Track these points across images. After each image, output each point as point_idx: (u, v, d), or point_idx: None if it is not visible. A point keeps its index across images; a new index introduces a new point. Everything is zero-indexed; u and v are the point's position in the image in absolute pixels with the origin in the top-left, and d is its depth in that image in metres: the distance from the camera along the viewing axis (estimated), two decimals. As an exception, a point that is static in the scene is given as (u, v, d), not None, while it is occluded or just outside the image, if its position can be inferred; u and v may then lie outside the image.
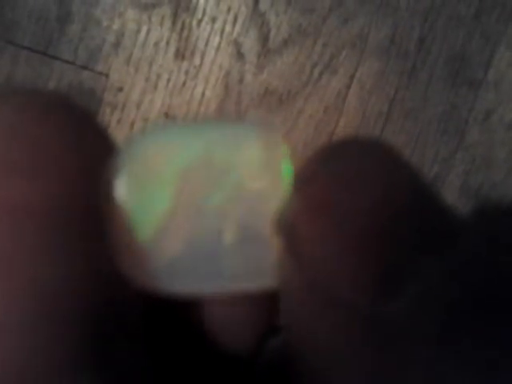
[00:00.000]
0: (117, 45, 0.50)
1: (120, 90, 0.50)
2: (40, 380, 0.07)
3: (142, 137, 0.09)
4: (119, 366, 0.08)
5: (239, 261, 0.08)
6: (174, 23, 0.50)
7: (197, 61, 0.50)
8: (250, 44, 0.50)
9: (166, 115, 0.50)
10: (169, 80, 0.50)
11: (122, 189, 0.08)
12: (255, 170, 0.08)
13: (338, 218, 0.07)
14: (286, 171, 0.08)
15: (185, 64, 0.50)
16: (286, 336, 0.09)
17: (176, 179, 0.08)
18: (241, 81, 0.51)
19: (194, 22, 0.50)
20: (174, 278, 0.08)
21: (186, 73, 0.50)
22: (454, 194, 0.52)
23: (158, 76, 0.50)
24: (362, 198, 0.07)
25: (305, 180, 0.08)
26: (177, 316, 0.10)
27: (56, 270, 0.07)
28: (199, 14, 0.50)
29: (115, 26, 0.50)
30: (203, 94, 0.50)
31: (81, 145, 0.08)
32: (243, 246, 0.08)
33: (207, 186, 0.08)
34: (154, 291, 0.08)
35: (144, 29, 0.50)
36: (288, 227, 0.08)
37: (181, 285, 0.08)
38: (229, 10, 0.50)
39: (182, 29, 0.50)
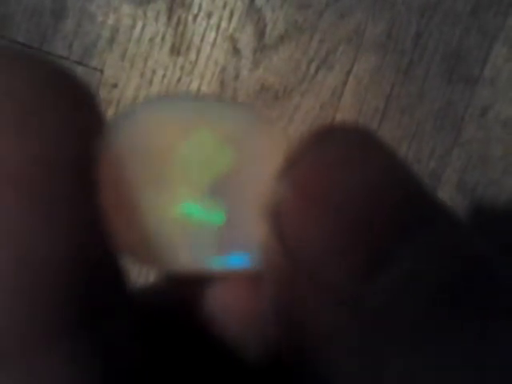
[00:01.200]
0: (111, 40, 0.49)
1: (115, 85, 0.50)
2: (26, 342, 0.07)
3: (139, 107, 0.08)
4: (107, 338, 0.08)
5: (227, 241, 0.08)
6: (169, 18, 0.50)
7: (192, 56, 0.50)
8: (246, 40, 0.50)
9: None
10: (164, 76, 0.50)
11: (116, 158, 0.08)
12: (253, 150, 0.08)
13: (324, 202, 0.07)
14: (282, 154, 0.08)
15: (180, 59, 0.50)
16: (273, 320, 0.09)
17: (170, 153, 0.08)
18: (237, 77, 0.50)
19: (190, 18, 0.50)
20: (169, 253, 0.08)
21: (182, 68, 0.50)
22: (450, 191, 0.52)
23: (153, 72, 0.50)
24: (348, 182, 0.07)
25: (292, 165, 0.08)
26: (177, 312, 0.10)
27: (40, 240, 0.07)
28: (195, 10, 0.50)
29: (110, 22, 0.49)
30: (199, 89, 0.50)
31: (72, 108, 0.07)
32: (231, 227, 0.08)
33: (203, 163, 0.08)
34: (150, 266, 0.08)
35: (139, 24, 0.49)
36: (274, 211, 0.08)
37: (177, 260, 0.08)
38: (225, 5, 0.50)
39: (178, 24, 0.50)
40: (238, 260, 0.08)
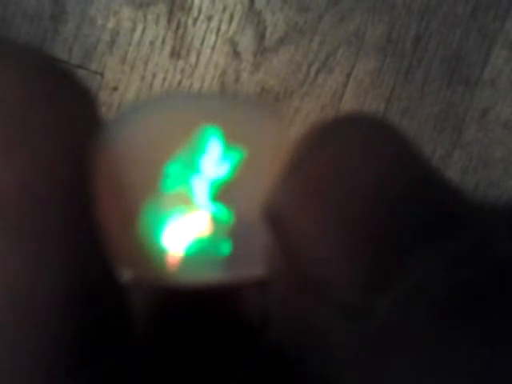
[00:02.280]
0: (112, 43, 0.49)
1: (115, 89, 0.49)
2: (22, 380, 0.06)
3: (137, 107, 0.08)
4: (102, 365, 0.07)
5: (234, 247, 0.08)
6: (169, 22, 0.49)
7: (192, 59, 0.50)
8: (246, 43, 0.50)
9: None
10: (164, 79, 0.50)
11: (113, 162, 0.07)
12: (264, 153, 0.08)
13: (328, 208, 0.07)
14: (287, 153, 0.08)
15: (180, 63, 0.50)
16: (273, 326, 0.08)
17: (171, 159, 0.08)
18: (237, 80, 0.50)
19: (190, 21, 0.50)
20: (170, 268, 0.08)
21: (182, 72, 0.50)
22: (450, 193, 0.52)
23: (154, 75, 0.50)
24: (355, 185, 0.07)
25: (294, 167, 0.07)
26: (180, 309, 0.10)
27: (31, 266, 0.06)
28: (195, 13, 0.50)
29: (110, 25, 0.49)
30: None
31: (67, 115, 0.07)
32: (238, 232, 0.08)
33: (207, 165, 0.08)
34: (151, 281, 0.08)
35: (139, 27, 0.49)
36: (276, 216, 0.07)
37: (178, 275, 0.08)
38: (224, 8, 0.50)
39: (178, 27, 0.50)
40: (246, 268, 0.08)
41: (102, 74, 0.49)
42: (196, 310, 0.10)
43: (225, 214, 0.08)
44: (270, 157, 0.08)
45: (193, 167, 0.08)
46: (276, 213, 0.07)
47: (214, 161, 0.08)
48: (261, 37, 0.50)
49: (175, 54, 0.50)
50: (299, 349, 0.07)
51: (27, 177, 0.06)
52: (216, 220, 0.08)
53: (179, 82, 0.50)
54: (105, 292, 0.07)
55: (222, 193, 0.08)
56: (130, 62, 0.49)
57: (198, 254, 0.08)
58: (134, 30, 0.49)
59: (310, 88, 0.51)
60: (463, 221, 0.07)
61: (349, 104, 0.51)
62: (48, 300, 0.06)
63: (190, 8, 0.50)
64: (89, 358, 0.07)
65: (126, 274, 0.08)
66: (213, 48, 0.50)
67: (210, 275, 0.08)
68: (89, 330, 0.07)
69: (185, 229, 0.08)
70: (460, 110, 0.52)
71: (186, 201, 0.08)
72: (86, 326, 0.07)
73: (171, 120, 0.08)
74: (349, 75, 0.51)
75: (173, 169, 0.08)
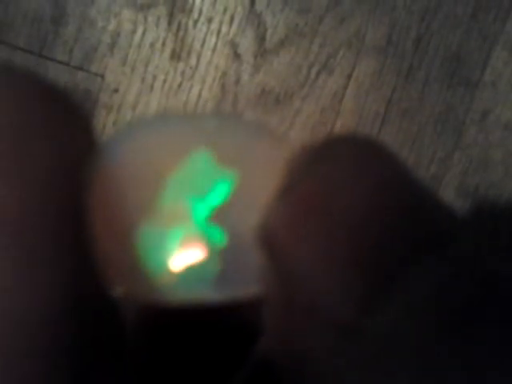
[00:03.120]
0: (112, 45, 0.49)
1: (116, 91, 0.49)
2: None
3: (132, 128, 0.08)
4: (95, 382, 0.07)
5: (227, 268, 0.08)
6: (169, 24, 0.49)
7: (193, 61, 0.50)
8: (247, 44, 0.50)
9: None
10: (165, 81, 0.50)
11: (108, 182, 0.07)
12: (257, 173, 0.08)
13: (323, 227, 0.07)
14: (282, 170, 0.08)
15: (181, 65, 0.50)
16: (267, 346, 0.08)
17: (165, 180, 0.08)
18: (237, 81, 0.50)
19: (190, 23, 0.50)
20: (163, 287, 0.08)
21: (182, 74, 0.50)
22: (450, 195, 0.52)
23: (154, 77, 0.50)
24: (350, 205, 0.07)
25: (286, 187, 0.07)
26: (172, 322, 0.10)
27: (24, 282, 0.06)
28: (195, 15, 0.50)
29: (110, 27, 0.49)
30: (199, 95, 0.50)
31: (61, 139, 0.07)
32: (232, 253, 0.08)
33: (201, 187, 0.08)
34: (144, 301, 0.08)
35: (140, 29, 0.49)
36: (270, 237, 0.07)
37: (172, 294, 0.08)
38: (225, 10, 0.50)
39: (178, 29, 0.50)
40: (238, 288, 0.08)
41: (102, 76, 0.49)
42: (187, 329, 0.10)
43: (218, 234, 0.08)
44: (264, 177, 0.08)
45: (187, 188, 0.08)
46: (269, 233, 0.07)
47: (208, 182, 0.08)
48: (261, 38, 0.50)
49: (176, 55, 0.50)
50: (293, 368, 0.07)
51: (25, 197, 0.06)
52: (209, 240, 0.08)
53: (179, 84, 0.50)
54: (98, 309, 0.07)
55: (216, 213, 0.08)
56: (131, 64, 0.49)
57: (191, 273, 0.08)
58: (134, 31, 0.49)
59: (310, 90, 0.51)
60: (453, 239, 0.07)
61: (349, 105, 0.51)
62: (40, 315, 0.06)
63: (191, 10, 0.50)
64: (81, 375, 0.07)
65: (118, 292, 0.08)
66: (213, 50, 0.50)
67: (203, 295, 0.08)
68: (81, 346, 0.07)
69: (179, 249, 0.08)
70: (460, 111, 0.52)
71: (181, 221, 0.08)
72: (78, 343, 0.07)
73: (165, 141, 0.08)
74: (349, 77, 0.51)
75: (167, 189, 0.08)
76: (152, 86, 0.50)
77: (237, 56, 0.50)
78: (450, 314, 0.06)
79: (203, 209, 0.08)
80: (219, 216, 0.08)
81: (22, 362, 0.06)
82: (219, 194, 0.08)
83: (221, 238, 0.08)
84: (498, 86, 0.52)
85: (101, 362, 0.07)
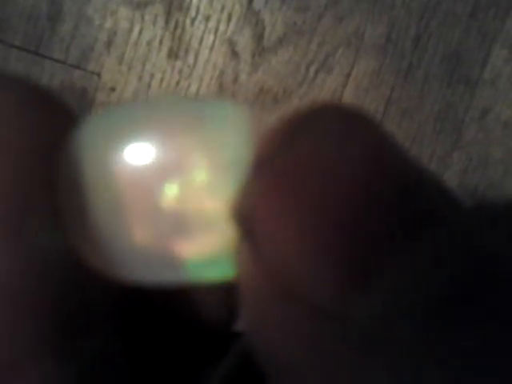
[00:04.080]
0: (109, 44, 0.49)
1: (112, 89, 0.49)
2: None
3: (94, 120, 0.08)
4: (84, 357, 0.07)
5: (197, 249, 0.07)
6: (167, 22, 0.49)
7: (190, 60, 0.49)
8: (245, 43, 0.50)
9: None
10: (162, 79, 0.49)
11: (76, 170, 0.07)
12: (220, 154, 0.07)
13: (302, 205, 0.06)
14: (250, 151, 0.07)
15: (178, 63, 0.49)
16: (246, 332, 0.08)
17: (129, 166, 0.07)
18: (235, 80, 0.50)
19: (188, 21, 0.49)
20: (132, 266, 0.08)
21: (180, 72, 0.49)
22: (450, 194, 0.52)
23: (152, 75, 0.49)
24: (332, 181, 0.06)
25: (264, 160, 0.07)
26: (150, 301, 0.10)
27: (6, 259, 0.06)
28: (193, 13, 0.49)
29: (107, 25, 0.49)
30: (197, 93, 0.50)
31: (35, 122, 0.07)
32: (201, 235, 0.07)
33: (165, 173, 0.07)
34: (113, 278, 0.08)
35: (137, 27, 0.49)
36: (245, 215, 0.07)
37: (140, 274, 0.08)
38: (223, 8, 0.49)
39: (176, 27, 0.49)
40: (213, 270, 0.08)
41: (99, 75, 0.49)
42: (161, 311, 0.10)
43: (191, 214, 0.07)
44: (240, 155, 0.07)
45: (152, 179, 0.08)
46: (246, 213, 0.07)
47: (182, 166, 0.07)
48: (259, 37, 0.50)
49: (173, 54, 0.49)
50: (275, 354, 0.07)
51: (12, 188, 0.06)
52: (177, 223, 0.07)
53: (177, 83, 0.49)
54: (80, 280, 0.07)
55: (191, 193, 0.07)
56: (128, 62, 0.49)
57: (164, 254, 0.08)
58: (131, 30, 0.49)
59: (309, 88, 0.50)
60: (443, 219, 0.06)
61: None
62: (22, 284, 0.06)
63: (188, 8, 0.49)
64: (66, 347, 0.07)
65: (91, 264, 0.08)
66: (211, 48, 0.50)
67: (174, 277, 0.08)
68: (63, 317, 0.07)
69: (149, 228, 0.07)
70: (460, 110, 0.52)
71: (152, 201, 0.07)
72: (60, 313, 0.07)
73: (134, 127, 0.08)
74: (348, 75, 0.51)
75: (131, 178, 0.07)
76: (149, 85, 0.49)
77: (235, 54, 0.50)
78: (438, 301, 0.06)
79: (176, 189, 0.07)
80: (194, 196, 0.07)
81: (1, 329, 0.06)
82: (193, 176, 0.07)
83: (193, 217, 0.07)
84: (498, 84, 0.52)
85: (84, 332, 0.07)
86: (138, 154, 0.07)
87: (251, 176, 0.07)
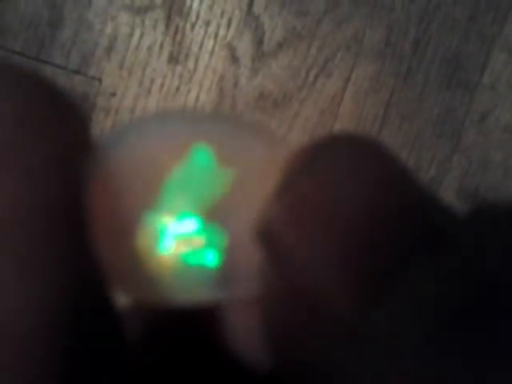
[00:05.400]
0: (109, 49, 0.49)
1: (113, 94, 0.49)
2: None
3: (131, 127, 0.08)
4: None
5: (227, 267, 0.08)
6: (167, 27, 0.49)
7: (191, 65, 0.50)
8: (245, 47, 0.50)
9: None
10: (162, 84, 0.50)
11: (107, 182, 0.07)
12: (256, 172, 0.08)
13: (321, 224, 0.07)
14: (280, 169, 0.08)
15: (178, 68, 0.50)
16: (267, 345, 0.08)
17: (163, 181, 0.08)
18: (235, 84, 0.50)
19: (188, 26, 0.49)
20: (164, 288, 0.08)
21: (180, 77, 0.50)
22: (450, 197, 0.52)
23: (152, 80, 0.49)
24: (347, 202, 0.07)
25: (285, 184, 0.07)
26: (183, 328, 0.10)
27: (20, 284, 0.06)
28: (193, 18, 0.49)
29: (108, 30, 0.49)
30: (197, 98, 0.50)
31: (58, 134, 0.07)
32: (231, 253, 0.08)
33: (200, 186, 0.08)
34: (145, 303, 0.08)
35: (137, 32, 0.49)
36: (268, 235, 0.07)
37: (171, 295, 0.08)
38: (222, 13, 0.50)
39: (176, 32, 0.49)
40: (240, 288, 0.08)
41: (99, 80, 0.49)
42: (191, 330, 0.10)
43: (218, 234, 0.08)
44: (262, 177, 0.08)
45: (187, 187, 0.08)
46: (267, 232, 0.07)
47: (207, 181, 0.08)
48: (259, 42, 0.50)
49: (173, 59, 0.50)
50: (297, 365, 0.07)
51: (19, 196, 0.06)
52: (209, 240, 0.08)
53: (177, 88, 0.50)
54: (100, 316, 0.07)
55: (216, 213, 0.08)
56: (128, 67, 0.49)
57: (191, 273, 0.08)
58: (131, 35, 0.49)
59: (308, 93, 0.51)
60: (454, 236, 0.07)
61: (348, 108, 0.51)
62: (36, 323, 0.06)
63: (188, 13, 0.49)
64: (80, 377, 0.07)
65: (121, 297, 0.08)
66: (211, 53, 0.50)
67: (202, 295, 0.08)
68: (83, 356, 0.07)
69: (178, 248, 0.08)
70: (459, 113, 0.52)
71: (180, 220, 0.08)
72: (79, 352, 0.07)
73: (165, 140, 0.08)
74: (348, 79, 0.51)
75: (167, 188, 0.08)
76: (150, 90, 0.49)
77: (235, 59, 0.50)
78: (450, 314, 0.06)
79: (203, 208, 0.08)
80: (219, 215, 0.08)
81: (15, 367, 0.06)
82: (219, 193, 0.08)
83: (220, 238, 0.08)
84: (497, 88, 0.52)
85: (104, 371, 0.07)
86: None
87: (272, 200, 0.07)
